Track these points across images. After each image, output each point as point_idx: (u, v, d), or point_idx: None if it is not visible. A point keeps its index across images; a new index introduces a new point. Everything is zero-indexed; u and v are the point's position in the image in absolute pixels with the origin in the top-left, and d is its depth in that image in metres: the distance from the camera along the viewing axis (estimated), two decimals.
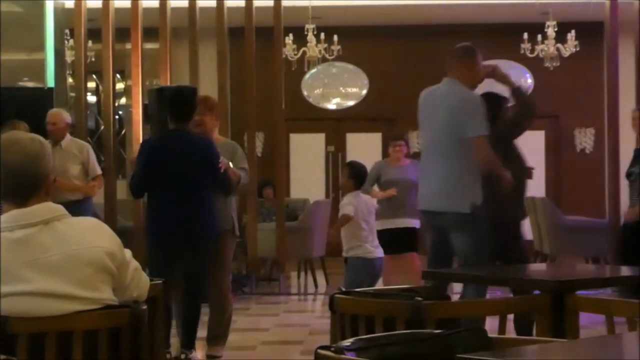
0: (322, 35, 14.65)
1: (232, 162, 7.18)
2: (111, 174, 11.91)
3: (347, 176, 8.73)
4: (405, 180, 10.28)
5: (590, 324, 6.10)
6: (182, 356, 6.90)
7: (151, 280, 3.58)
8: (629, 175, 9.27)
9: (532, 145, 16.48)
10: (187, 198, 6.90)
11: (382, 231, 9.44)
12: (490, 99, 6.94)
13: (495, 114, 6.84)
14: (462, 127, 6.41)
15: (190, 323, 7.06)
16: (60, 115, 9.47)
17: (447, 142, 6.50)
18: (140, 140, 11.83)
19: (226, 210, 7.25)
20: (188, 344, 7.03)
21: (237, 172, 7.15)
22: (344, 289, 4.04)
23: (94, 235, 3.20)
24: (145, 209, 7.36)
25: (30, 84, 11.91)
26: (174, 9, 12.26)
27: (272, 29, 12.53)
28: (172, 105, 7.22)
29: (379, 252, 8.57)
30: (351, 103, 17.29)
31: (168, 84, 11.90)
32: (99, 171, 9.57)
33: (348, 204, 8.54)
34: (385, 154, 13.84)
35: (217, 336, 7.40)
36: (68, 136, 9.40)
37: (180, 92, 7.50)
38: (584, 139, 16.94)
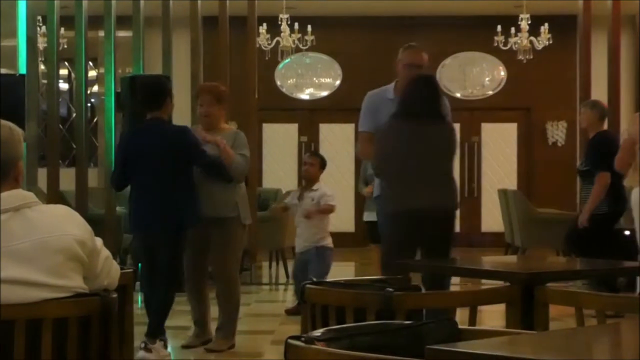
0: (296, 25, 14.64)
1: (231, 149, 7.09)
2: (83, 162, 11.87)
3: (318, 166, 8.77)
4: None
5: (560, 316, 6.14)
6: (142, 345, 6.80)
7: (122, 268, 3.58)
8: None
9: (504, 138, 16.64)
10: (161, 188, 6.86)
11: (372, 222, 9.54)
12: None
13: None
14: None
15: (156, 311, 6.96)
16: None
17: None
18: (112, 128, 11.82)
19: (231, 198, 7.13)
20: (151, 333, 6.89)
21: (231, 152, 6.97)
22: (315, 279, 4.04)
23: (64, 223, 3.18)
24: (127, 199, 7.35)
25: (2, 71, 11.82)
26: None
27: (246, 19, 12.52)
28: (142, 94, 7.20)
29: None
30: (324, 93, 17.33)
31: (141, 72, 11.88)
32: None
33: (331, 194, 8.66)
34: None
35: (219, 328, 7.37)
36: None
37: (149, 80, 7.47)
38: (556, 132, 17.00)
